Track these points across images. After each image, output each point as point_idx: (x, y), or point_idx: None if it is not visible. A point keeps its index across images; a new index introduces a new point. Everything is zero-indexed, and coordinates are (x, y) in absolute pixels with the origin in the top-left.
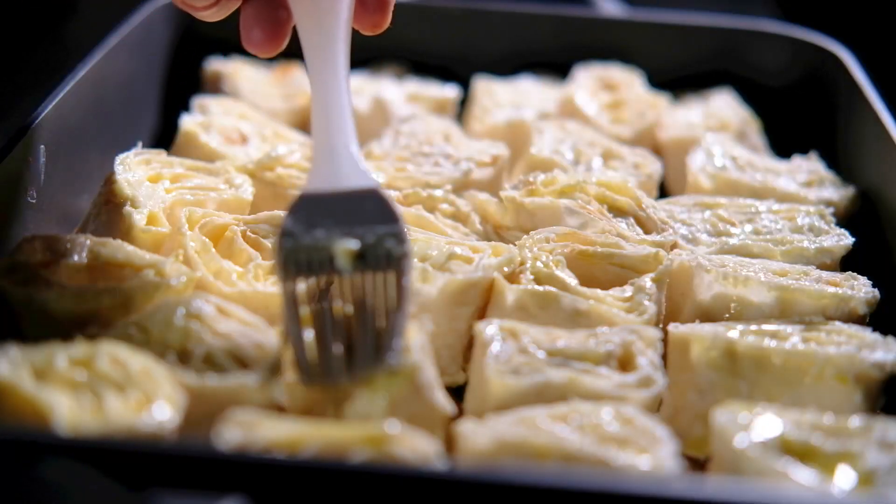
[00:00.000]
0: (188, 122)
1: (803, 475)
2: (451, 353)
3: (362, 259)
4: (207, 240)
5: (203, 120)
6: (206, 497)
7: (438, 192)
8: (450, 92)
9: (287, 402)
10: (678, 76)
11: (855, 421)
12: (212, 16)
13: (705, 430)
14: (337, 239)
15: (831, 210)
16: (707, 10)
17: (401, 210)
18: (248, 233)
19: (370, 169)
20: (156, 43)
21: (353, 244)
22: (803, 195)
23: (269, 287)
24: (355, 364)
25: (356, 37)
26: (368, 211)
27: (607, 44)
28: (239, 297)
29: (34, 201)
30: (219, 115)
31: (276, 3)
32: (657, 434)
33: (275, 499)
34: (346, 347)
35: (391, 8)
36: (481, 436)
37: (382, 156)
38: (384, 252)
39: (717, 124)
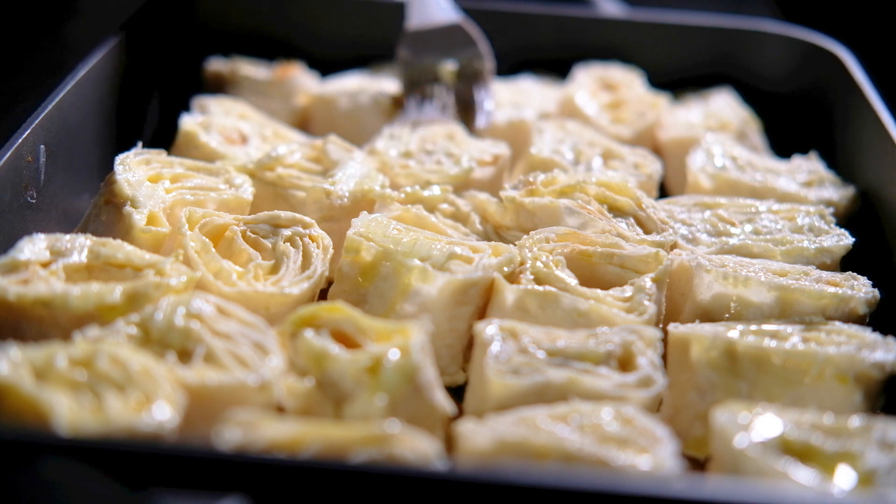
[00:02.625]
0: (188, 122)
1: (803, 475)
2: (451, 353)
3: (459, 75)
4: (207, 240)
5: (203, 120)
6: (206, 497)
7: (437, 191)
8: None
9: (287, 403)
10: (678, 76)
11: (855, 421)
12: None
13: (705, 430)
14: (440, 61)
15: (831, 210)
16: (707, 10)
17: (481, 35)
18: (248, 233)
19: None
20: (156, 43)
21: (452, 65)
22: (803, 195)
23: (269, 287)
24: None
25: (356, 37)
26: (456, 39)
27: (607, 44)
28: (239, 297)
29: (34, 201)
30: (219, 115)
31: None
32: (657, 434)
33: (275, 499)
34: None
35: None
36: (481, 436)
37: (384, 153)
38: (472, 69)
39: (717, 124)
